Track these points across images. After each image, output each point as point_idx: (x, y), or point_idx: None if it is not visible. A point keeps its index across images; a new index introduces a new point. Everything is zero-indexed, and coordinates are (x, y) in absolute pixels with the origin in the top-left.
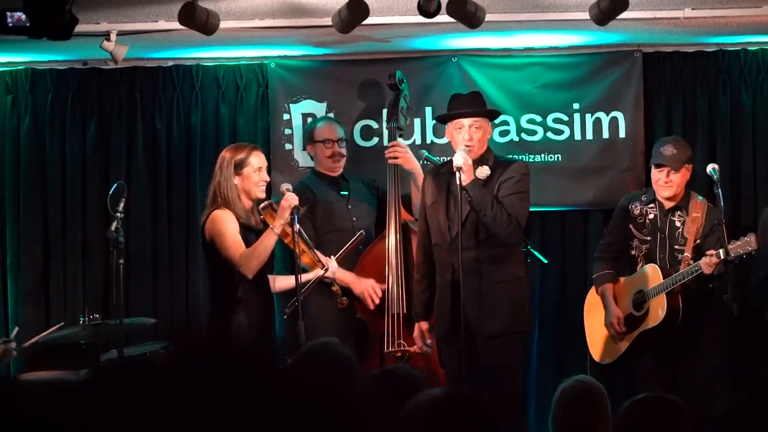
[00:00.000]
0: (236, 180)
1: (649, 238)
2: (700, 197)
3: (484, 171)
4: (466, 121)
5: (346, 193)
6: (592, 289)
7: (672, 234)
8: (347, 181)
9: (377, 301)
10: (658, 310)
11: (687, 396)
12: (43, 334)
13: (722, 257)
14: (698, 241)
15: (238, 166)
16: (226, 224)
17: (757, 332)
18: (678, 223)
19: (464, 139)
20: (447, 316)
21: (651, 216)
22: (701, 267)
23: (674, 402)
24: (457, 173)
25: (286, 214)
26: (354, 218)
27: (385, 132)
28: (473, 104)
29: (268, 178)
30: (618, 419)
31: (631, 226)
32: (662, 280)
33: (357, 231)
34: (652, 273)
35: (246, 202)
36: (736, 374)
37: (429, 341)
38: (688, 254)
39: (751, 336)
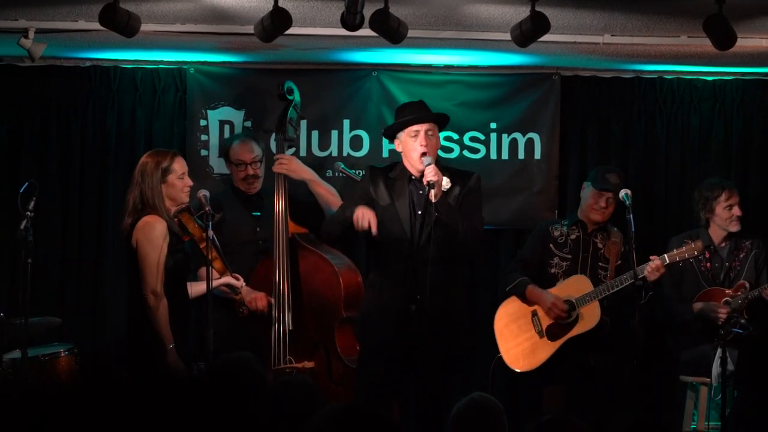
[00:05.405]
0: (162, 187)
1: (570, 257)
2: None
3: (445, 182)
4: (422, 127)
5: (258, 213)
6: (504, 305)
7: (595, 254)
8: (263, 199)
9: (260, 308)
10: (592, 315)
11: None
12: None
13: (667, 261)
14: (619, 262)
15: (164, 174)
16: (154, 236)
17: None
18: (600, 244)
19: (421, 145)
20: (395, 331)
21: (573, 236)
22: (645, 272)
23: (578, 426)
24: (429, 189)
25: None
26: (261, 241)
27: (274, 143)
28: (424, 110)
29: (191, 183)
30: None
31: (551, 245)
32: (592, 288)
33: (261, 251)
34: (581, 282)
35: (170, 208)
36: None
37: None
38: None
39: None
